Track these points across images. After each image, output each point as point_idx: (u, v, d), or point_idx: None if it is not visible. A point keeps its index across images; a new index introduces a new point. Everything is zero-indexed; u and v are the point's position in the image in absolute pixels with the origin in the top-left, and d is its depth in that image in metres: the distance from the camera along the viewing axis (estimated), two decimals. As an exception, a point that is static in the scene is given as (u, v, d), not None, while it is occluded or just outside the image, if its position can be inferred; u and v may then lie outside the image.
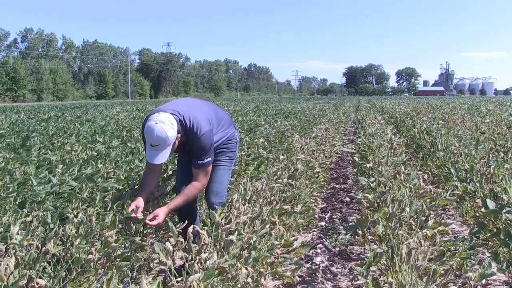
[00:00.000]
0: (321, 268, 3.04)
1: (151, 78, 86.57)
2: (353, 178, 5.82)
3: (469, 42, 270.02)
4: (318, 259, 3.19)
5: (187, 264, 1.92)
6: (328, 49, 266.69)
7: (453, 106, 18.75)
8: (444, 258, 2.20)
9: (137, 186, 2.99)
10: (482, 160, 4.28)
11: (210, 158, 2.80)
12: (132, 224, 2.57)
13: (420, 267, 2.03)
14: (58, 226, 2.25)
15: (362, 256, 3.23)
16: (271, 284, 2.11)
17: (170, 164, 3.55)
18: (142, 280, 1.69)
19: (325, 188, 5.11)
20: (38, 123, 9.83)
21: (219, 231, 2.23)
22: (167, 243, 2.03)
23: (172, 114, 2.69)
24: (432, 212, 2.68)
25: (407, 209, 2.74)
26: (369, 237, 2.78)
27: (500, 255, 2.49)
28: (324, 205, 4.50)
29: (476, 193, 3.40)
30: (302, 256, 3.10)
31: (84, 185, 3.01)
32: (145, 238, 2.58)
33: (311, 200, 3.85)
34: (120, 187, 3.15)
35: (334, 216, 4.33)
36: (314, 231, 3.80)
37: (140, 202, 2.65)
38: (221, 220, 2.35)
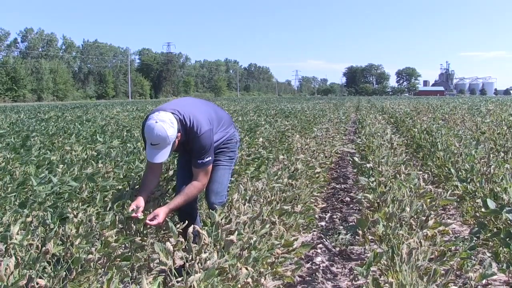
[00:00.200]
0: (321, 268, 3.04)
1: (151, 78, 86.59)
2: (353, 178, 5.82)
3: (469, 42, 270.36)
4: (318, 259, 3.19)
5: (187, 264, 1.92)
6: (328, 49, 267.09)
7: (453, 106, 18.76)
8: (445, 258, 2.20)
9: (137, 186, 2.99)
10: (482, 160, 4.28)
11: (210, 158, 2.79)
12: (132, 224, 2.57)
13: (420, 267, 2.03)
14: (58, 226, 2.25)
15: (362, 256, 3.23)
16: (271, 284, 2.11)
17: (170, 164, 3.55)
18: (143, 280, 1.69)
19: (325, 188, 5.11)
20: (38, 123, 9.83)
21: (219, 231, 2.23)
22: (167, 243, 2.03)
23: (172, 113, 2.69)
24: (432, 212, 2.68)
25: (407, 209, 2.74)
26: (369, 237, 2.78)
27: (501, 255, 2.49)
28: (324, 205, 4.50)
29: (476, 193, 3.40)
30: (302, 256, 3.10)
31: (84, 185, 3.01)
32: (145, 238, 2.58)
33: (311, 200, 3.85)
34: (120, 187, 3.15)
35: (334, 216, 4.33)
36: (314, 231, 3.80)
37: (140, 201, 2.65)
38: (221, 220, 2.35)
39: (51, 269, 1.91)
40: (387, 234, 2.52)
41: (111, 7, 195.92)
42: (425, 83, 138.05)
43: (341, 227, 3.94)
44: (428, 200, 3.09)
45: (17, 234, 2.00)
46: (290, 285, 2.67)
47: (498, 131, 6.97)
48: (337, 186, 5.59)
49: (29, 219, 2.35)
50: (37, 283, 1.74)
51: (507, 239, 2.38)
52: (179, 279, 1.84)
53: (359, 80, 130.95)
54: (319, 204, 4.01)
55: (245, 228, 2.34)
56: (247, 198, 2.84)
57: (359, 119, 12.47)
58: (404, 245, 2.15)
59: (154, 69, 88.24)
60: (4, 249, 1.97)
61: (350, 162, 6.00)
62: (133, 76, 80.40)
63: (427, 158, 5.64)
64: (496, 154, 4.74)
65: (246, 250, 2.13)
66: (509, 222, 2.65)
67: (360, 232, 2.81)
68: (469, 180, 3.66)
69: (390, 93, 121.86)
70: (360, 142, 6.46)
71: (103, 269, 2.07)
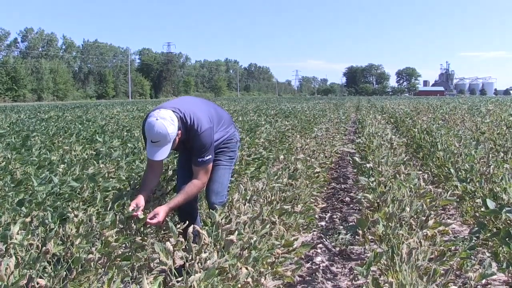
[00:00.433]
0: (321, 268, 3.04)
1: (152, 78, 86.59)
2: (353, 178, 5.82)
3: (469, 42, 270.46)
4: (318, 259, 3.19)
5: (187, 264, 1.92)
6: (328, 49, 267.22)
7: (453, 106, 18.76)
8: (444, 258, 2.20)
9: (137, 186, 2.99)
10: (482, 160, 4.28)
11: (211, 156, 2.80)
12: (132, 224, 2.57)
13: (420, 267, 2.04)
14: (58, 225, 2.25)
15: (362, 256, 3.23)
16: (271, 284, 2.11)
17: (170, 164, 3.55)
18: (143, 280, 1.69)
19: (325, 188, 5.11)
20: (39, 123, 9.84)
21: (220, 231, 2.23)
22: (168, 243, 2.03)
23: (173, 111, 2.69)
24: (432, 212, 2.68)
25: (407, 209, 2.74)
26: (369, 237, 2.78)
27: (500, 255, 2.49)
28: (324, 205, 4.50)
29: (476, 193, 3.40)
30: (302, 256, 3.10)
31: (85, 185, 3.01)
32: (145, 238, 2.58)
33: (311, 200, 3.85)
34: (121, 187, 3.15)
35: (334, 216, 4.33)
36: (314, 231, 3.80)
37: (140, 200, 2.65)
38: (222, 220, 2.35)
39: (51, 269, 1.91)
40: (387, 234, 2.52)
41: (111, 7, 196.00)
42: (425, 83, 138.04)
43: (341, 227, 3.94)
44: (428, 200, 3.09)
45: (17, 234, 2.00)
46: (290, 285, 2.68)
47: (498, 131, 6.97)
48: (337, 186, 5.59)
49: (28, 219, 2.34)
50: (38, 283, 1.74)
51: (507, 238, 2.38)
52: (179, 279, 1.84)
53: (359, 80, 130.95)
54: (319, 204, 4.01)
55: (245, 228, 2.34)
56: (247, 198, 2.84)
57: (359, 119, 12.47)
58: (404, 245, 2.15)
59: (154, 69, 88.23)
60: (4, 249, 1.97)
61: (350, 162, 6.00)
62: (133, 76, 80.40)
63: (427, 158, 5.65)
64: (496, 154, 4.74)
65: (246, 250, 2.13)
66: (508, 222, 2.65)
67: (360, 232, 2.81)
68: (468, 180, 3.66)
69: (390, 93, 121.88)
70: (360, 142, 6.46)
71: (103, 269, 2.07)
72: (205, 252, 2.01)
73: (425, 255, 2.13)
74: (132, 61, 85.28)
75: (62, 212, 2.49)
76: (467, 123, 9.20)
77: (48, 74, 64.01)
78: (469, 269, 2.25)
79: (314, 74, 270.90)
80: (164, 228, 2.83)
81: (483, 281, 2.52)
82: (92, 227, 2.21)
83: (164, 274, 2.09)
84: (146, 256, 2.38)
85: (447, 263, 2.21)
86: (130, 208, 2.56)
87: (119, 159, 3.99)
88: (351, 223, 4.02)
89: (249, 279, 1.94)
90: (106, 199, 2.84)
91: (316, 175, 4.37)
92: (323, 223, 4.09)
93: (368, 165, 4.09)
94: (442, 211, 3.94)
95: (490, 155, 4.34)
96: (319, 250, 3.39)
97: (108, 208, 2.64)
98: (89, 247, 2.08)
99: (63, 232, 2.15)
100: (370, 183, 3.50)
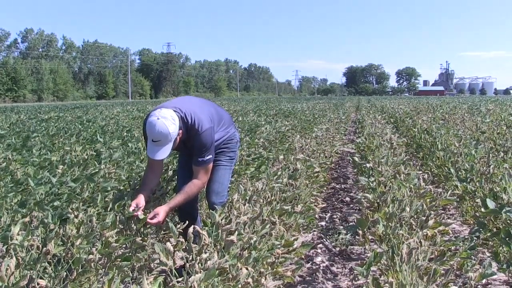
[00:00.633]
0: (321, 268, 3.04)
1: (151, 78, 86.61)
2: (353, 178, 5.82)
3: (469, 42, 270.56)
4: (318, 259, 3.19)
5: (187, 265, 1.92)
6: (329, 49, 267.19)
7: (453, 106, 18.74)
8: (445, 258, 2.20)
9: (138, 187, 2.99)
10: (482, 160, 4.28)
11: (211, 156, 2.80)
12: (132, 224, 2.57)
13: (420, 267, 2.04)
14: (58, 226, 2.26)
15: (363, 256, 3.24)
16: (271, 284, 2.11)
17: (170, 164, 3.55)
18: (143, 280, 1.69)
19: (325, 188, 5.11)
20: (39, 124, 9.83)
21: (220, 231, 2.23)
22: (168, 244, 2.03)
23: (174, 110, 2.70)
24: (432, 212, 2.68)
25: (407, 209, 2.74)
26: (370, 237, 2.78)
27: (500, 255, 2.49)
28: (325, 205, 4.50)
29: (476, 192, 3.40)
30: (303, 256, 3.10)
31: (85, 186, 3.01)
32: (145, 238, 2.58)
33: (312, 200, 3.85)
34: (121, 187, 3.15)
35: (335, 216, 4.34)
36: (314, 231, 3.80)
37: (141, 200, 2.65)
38: (222, 220, 2.35)
39: (51, 269, 1.91)
40: (387, 234, 2.52)
41: (111, 7, 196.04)
42: (425, 83, 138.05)
43: (341, 227, 3.94)
44: (428, 200, 3.09)
45: (18, 234, 2.00)
46: (290, 285, 2.68)
47: (498, 131, 6.97)
48: (337, 186, 5.59)
49: (26, 219, 2.34)
50: (38, 284, 1.74)
51: (507, 238, 2.39)
52: (180, 279, 1.84)
53: (359, 80, 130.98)
54: (319, 204, 4.01)
55: (245, 228, 2.34)
56: (247, 198, 2.84)
57: (359, 119, 12.47)
58: (404, 245, 2.15)
59: (154, 69, 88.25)
60: (5, 250, 1.98)
61: (350, 162, 6.00)
62: (133, 76, 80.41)
63: (427, 158, 5.65)
64: (496, 153, 4.74)
65: (246, 250, 2.13)
66: (508, 221, 2.65)
67: (360, 232, 2.82)
68: (468, 180, 3.66)
69: (390, 93, 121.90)
70: (360, 142, 6.46)
71: (103, 270, 2.07)
72: (205, 253, 2.01)
73: (425, 255, 2.13)
74: (132, 62, 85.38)
75: (61, 213, 2.49)
76: (467, 122, 9.19)
77: (48, 75, 64.04)
78: (469, 269, 2.25)
79: (314, 74, 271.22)
80: (164, 228, 2.83)
81: (483, 281, 2.52)
82: (92, 227, 2.21)
83: (164, 274, 2.09)
84: (146, 256, 2.38)
85: (447, 263, 2.21)
86: (131, 208, 2.56)
87: (120, 159, 3.99)
88: (351, 223, 4.02)
89: (249, 280, 1.95)
90: (106, 199, 2.84)
91: (316, 175, 4.37)
92: (323, 223, 4.09)
93: (368, 165, 4.09)
94: (442, 211, 3.94)
95: (490, 155, 4.34)
96: (319, 250, 3.39)
97: (109, 209, 2.64)
98: (89, 248, 2.08)
99: (64, 233, 2.15)
100: (370, 183, 3.51)
